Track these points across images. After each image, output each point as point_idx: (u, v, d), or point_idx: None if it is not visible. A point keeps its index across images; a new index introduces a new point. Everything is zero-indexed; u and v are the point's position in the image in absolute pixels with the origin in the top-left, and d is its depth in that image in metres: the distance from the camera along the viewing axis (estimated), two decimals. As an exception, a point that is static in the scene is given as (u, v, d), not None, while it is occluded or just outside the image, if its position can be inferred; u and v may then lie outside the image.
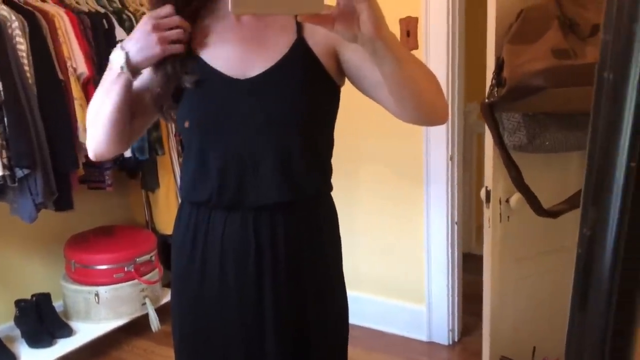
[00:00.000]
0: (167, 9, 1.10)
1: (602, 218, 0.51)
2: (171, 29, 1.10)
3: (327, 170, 1.23)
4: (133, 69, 1.11)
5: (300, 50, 1.11)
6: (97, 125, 1.18)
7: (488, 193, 1.76)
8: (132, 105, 1.18)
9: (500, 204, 1.77)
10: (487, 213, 1.79)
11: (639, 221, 0.50)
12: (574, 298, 0.56)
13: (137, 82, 1.17)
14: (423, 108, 1.06)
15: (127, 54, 1.09)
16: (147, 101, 1.20)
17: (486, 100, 1.57)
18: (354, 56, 1.10)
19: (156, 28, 1.08)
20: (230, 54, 1.13)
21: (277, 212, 1.15)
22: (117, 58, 1.11)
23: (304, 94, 1.12)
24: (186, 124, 1.15)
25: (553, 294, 1.86)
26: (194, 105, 1.14)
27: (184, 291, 1.24)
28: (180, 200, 1.28)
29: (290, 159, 1.13)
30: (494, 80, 1.56)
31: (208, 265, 1.18)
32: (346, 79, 1.18)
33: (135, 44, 1.10)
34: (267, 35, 1.14)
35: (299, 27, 1.13)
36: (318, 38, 1.11)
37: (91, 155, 1.24)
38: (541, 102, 1.53)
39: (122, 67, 1.10)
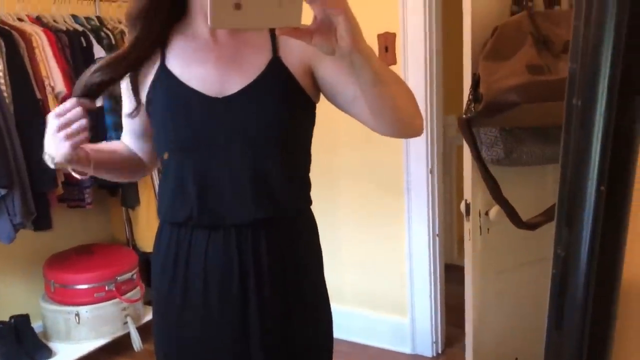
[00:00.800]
0: (68, 103, 1.10)
1: (575, 240, 0.52)
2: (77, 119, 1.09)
3: (306, 185, 1.24)
4: (69, 163, 1.11)
5: (276, 68, 1.12)
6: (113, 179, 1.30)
7: (468, 206, 1.78)
8: (116, 158, 1.26)
9: (479, 216, 1.79)
10: (467, 225, 1.81)
11: (610, 243, 0.51)
12: (550, 317, 0.57)
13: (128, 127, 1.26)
14: (399, 121, 1.07)
15: (52, 159, 1.11)
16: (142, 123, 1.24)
17: (463, 116, 1.60)
18: (329, 73, 1.12)
19: (60, 127, 1.08)
20: (207, 73, 1.13)
21: (259, 229, 1.15)
22: (49, 163, 1.13)
23: (281, 110, 1.13)
24: (165, 153, 1.17)
25: (534, 305, 1.89)
26: (173, 124, 1.14)
27: (166, 313, 1.23)
28: (159, 222, 1.26)
29: (269, 175, 1.14)
30: (470, 96, 1.59)
31: (190, 286, 1.17)
32: (321, 95, 1.19)
33: (51, 147, 1.10)
34: (243, 54, 1.14)
35: (275, 46, 1.13)
36: (293, 56, 1.13)
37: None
38: (517, 117, 1.56)
39: (57, 167, 1.13)
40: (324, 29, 0.86)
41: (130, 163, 1.29)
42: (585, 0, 0.47)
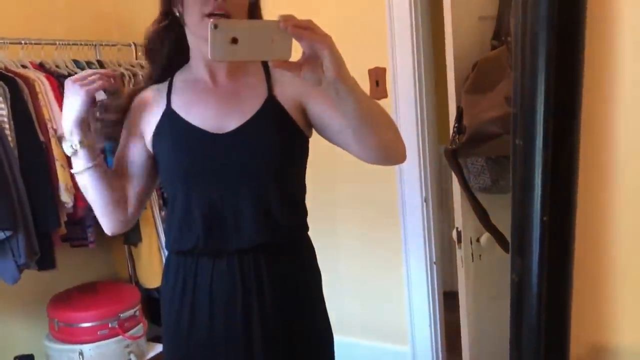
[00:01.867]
0: (87, 71, 1.22)
1: (526, 266, 0.57)
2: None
3: (302, 212, 1.34)
4: (82, 136, 1.21)
5: (271, 105, 1.23)
6: (93, 206, 1.30)
7: (459, 233, 1.83)
8: (117, 180, 1.30)
9: (471, 243, 1.84)
10: (460, 253, 1.85)
11: (557, 267, 0.56)
12: (510, 339, 0.62)
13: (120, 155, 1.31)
14: (383, 147, 1.17)
15: (67, 139, 1.22)
16: (134, 165, 1.32)
17: (449, 147, 1.66)
18: (318, 107, 1.23)
19: (76, 80, 1.19)
20: (208, 112, 1.24)
21: (260, 254, 1.24)
22: (67, 147, 1.23)
23: (277, 143, 1.23)
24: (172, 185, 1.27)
25: (528, 329, 1.91)
26: (179, 159, 1.24)
27: (174, 340, 1.30)
28: (166, 253, 1.36)
29: (268, 203, 1.23)
30: (455, 128, 1.65)
31: (197, 311, 1.26)
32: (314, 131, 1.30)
33: (65, 105, 1.20)
34: (240, 94, 1.25)
35: (270, 86, 1.25)
36: (286, 94, 1.24)
37: (106, 230, 1.33)
38: (501, 146, 1.61)
39: (74, 146, 1.21)
40: (311, 62, 0.96)
41: (119, 194, 1.31)
42: (521, 53, 0.54)
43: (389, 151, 1.20)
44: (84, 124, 1.21)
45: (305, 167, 1.34)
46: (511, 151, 0.58)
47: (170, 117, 1.26)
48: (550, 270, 0.56)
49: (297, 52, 0.96)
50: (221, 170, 1.22)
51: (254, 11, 1.27)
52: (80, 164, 1.24)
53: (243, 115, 1.23)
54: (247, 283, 1.23)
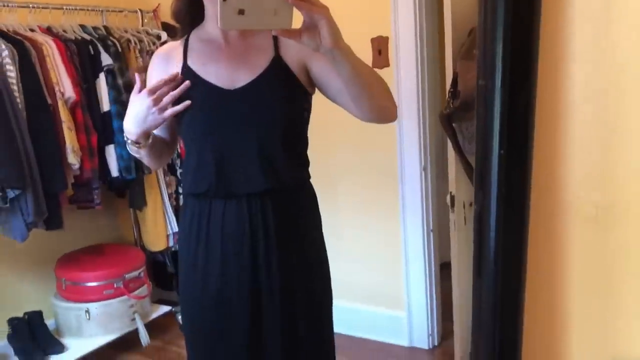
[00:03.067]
0: (157, 82, 1.31)
1: (486, 196, 0.63)
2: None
3: (305, 162, 1.47)
4: (143, 139, 1.38)
5: (277, 65, 1.35)
6: (145, 161, 1.49)
7: (452, 198, 1.88)
8: (161, 144, 1.48)
9: (464, 207, 1.89)
10: (452, 217, 1.90)
11: (513, 198, 0.61)
12: (474, 266, 0.68)
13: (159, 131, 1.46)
14: (376, 106, 1.30)
15: (133, 142, 1.38)
16: (171, 130, 1.50)
17: (444, 111, 1.70)
18: (319, 69, 1.35)
19: (155, 101, 1.30)
20: (221, 70, 1.37)
21: (266, 198, 1.38)
22: (131, 148, 1.40)
23: (282, 99, 1.36)
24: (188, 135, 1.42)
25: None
26: (195, 112, 1.36)
27: (192, 271, 1.45)
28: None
29: (273, 153, 1.36)
30: (450, 93, 1.69)
31: (211, 247, 1.41)
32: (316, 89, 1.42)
33: (137, 119, 1.33)
34: (250, 53, 1.38)
35: (276, 47, 1.37)
36: (291, 55, 1.36)
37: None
38: (494, 112, 1.66)
39: (138, 149, 1.40)
40: (310, 30, 1.09)
41: (164, 149, 1.51)
42: (483, 24, 0.58)
43: (381, 111, 1.32)
44: (150, 133, 1.38)
45: (307, 122, 1.46)
46: (476, 91, 0.63)
47: (187, 74, 1.38)
48: (507, 201, 0.61)
49: (297, 21, 1.07)
50: (232, 122, 1.35)
51: None
52: (139, 152, 1.42)
53: (252, 72, 1.35)
54: (254, 223, 1.38)
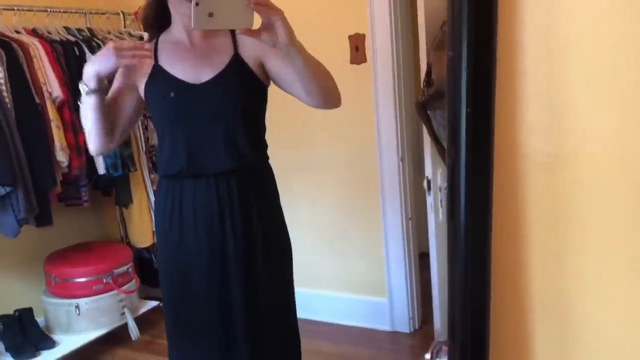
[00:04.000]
0: (128, 42, 1.51)
1: (457, 150, 0.74)
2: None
3: (263, 145, 1.68)
4: (96, 86, 1.49)
5: (236, 62, 1.57)
6: (87, 130, 1.62)
7: (429, 182, 2.00)
8: (109, 114, 1.59)
9: (440, 191, 2.01)
10: (430, 200, 2.03)
11: (479, 149, 0.73)
12: (447, 211, 0.79)
13: (113, 93, 1.61)
14: (324, 95, 1.52)
15: (85, 83, 1.49)
16: (124, 108, 1.64)
17: (419, 99, 1.82)
18: (273, 63, 1.56)
19: (116, 48, 1.45)
20: (187, 67, 1.57)
21: (231, 176, 1.59)
22: (82, 87, 1.51)
23: (242, 91, 1.56)
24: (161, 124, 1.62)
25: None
26: (166, 104, 1.57)
27: (168, 244, 1.63)
28: (157, 178, 1.71)
29: (236, 137, 1.56)
30: (424, 82, 1.81)
31: (184, 222, 1.61)
32: (271, 82, 1.63)
33: (95, 60, 1.49)
34: (212, 52, 1.58)
35: (235, 46, 1.58)
36: (248, 53, 1.57)
37: (91, 151, 1.68)
38: (466, 99, 1.79)
39: (87, 91, 1.50)
40: (268, 29, 1.30)
41: (109, 126, 1.61)
42: (451, 8, 0.69)
43: (328, 96, 1.55)
44: (101, 78, 1.50)
45: (264, 111, 1.68)
46: (447, 63, 0.75)
47: (158, 71, 1.58)
48: (475, 151, 0.72)
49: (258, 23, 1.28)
50: (199, 112, 1.55)
51: None
52: (87, 100, 1.52)
53: (215, 69, 1.55)
54: (221, 198, 1.58)
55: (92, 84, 1.48)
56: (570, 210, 0.75)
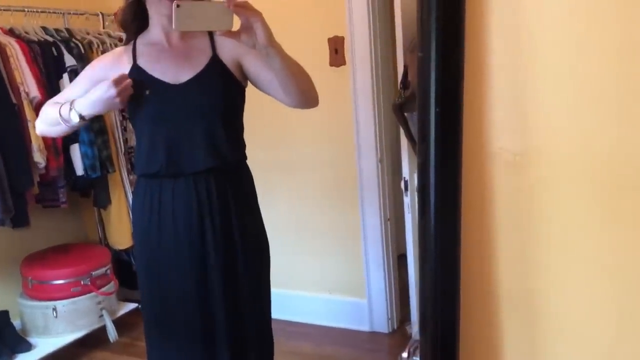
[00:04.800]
0: (120, 75, 1.52)
1: (427, 148, 0.76)
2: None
3: (242, 144, 1.69)
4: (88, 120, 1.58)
5: (215, 62, 1.59)
6: (48, 128, 1.67)
7: (406, 183, 2.03)
8: None
9: (416, 191, 2.04)
10: (407, 200, 2.05)
11: (447, 147, 0.75)
12: (419, 210, 0.81)
13: None
14: (302, 94, 1.54)
15: (81, 116, 1.54)
16: None
17: (396, 101, 1.85)
18: (252, 64, 1.58)
19: (119, 91, 1.50)
20: (166, 68, 1.58)
21: (210, 175, 1.59)
22: (73, 116, 1.55)
23: (220, 91, 1.58)
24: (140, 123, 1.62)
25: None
26: (146, 103, 1.56)
27: (147, 240, 1.63)
28: (136, 178, 1.71)
29: (214, 136, 1.57)
30: (401, 84, 1.84)
31: (163, 221, 1.61)
32: (249, 82, 1.65)
33: (99, 101, 1.52)
34: (191, 53, 1.60)
35: (214, 48, 1.60)
36: (226, 54, 1.59)
37: (37, 133, 1.73)
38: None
39: (80, 121, 1.56)
40: (247, 30, 1.31)
41: None
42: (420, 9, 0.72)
43: (305, 96, 1.57)
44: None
45: (242, 110, 1.69)
46: (417, 60, 0.77)
47: (138, 71, 1.59)
48: (444, 150, 0.74)
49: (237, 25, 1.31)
50: (178, 112, 1.56)
51: None
52: (73, 123, 1.58)
53: (194, 69, 1.57)
54: (200, 197, 1.58)
55: (88, 118, 1.55)
56: (536, 207, 0.77)
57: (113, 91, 1.49)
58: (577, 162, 0.74)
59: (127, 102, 1.56)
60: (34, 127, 2.52)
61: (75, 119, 1.55)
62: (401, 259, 2.99)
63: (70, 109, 1.55)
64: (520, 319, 0.81)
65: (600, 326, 0.82)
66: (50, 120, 1.63)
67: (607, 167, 0.74)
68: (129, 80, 1.52)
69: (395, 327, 3.00)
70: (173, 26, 1.22)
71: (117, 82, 1.50)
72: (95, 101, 1.52)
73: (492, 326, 0.85)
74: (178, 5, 1.20)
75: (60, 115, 1.57)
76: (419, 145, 0.78)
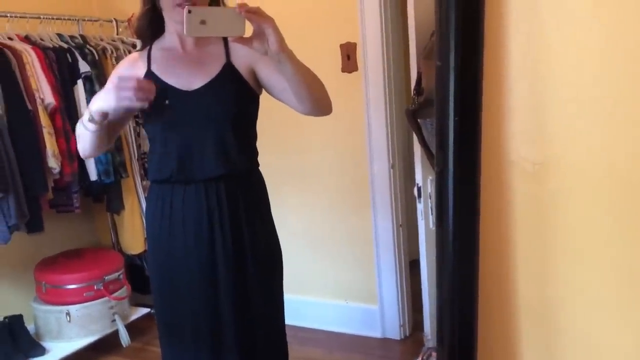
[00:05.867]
0: (129, 81, 1.42)
1: (444, 157, 0.76)
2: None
3: (254, 152, 1.69)
4: (99, 119, 1.49)
5: (228, 69, 1.59)
6: (83, 143, 1.61)
7: (419, 189, 2.02)
8: (107, 131, 1.58)
9: (430, 198, 2.03)
10: (420, 207, 2.05)
11: (466, 156, 0.75)
12: (436, 218, 0.81)
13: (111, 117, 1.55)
14: (315, 102, 1.53)
15: (91, 114, 1.49)
16: (119, 120, 1.64)
17: (410, 107, 1.84)
18: (265, 71, 1.58)
19: (116, 87, 1.41)
20: (180, 74, 1.58)
21: (220, 182, 1.59)
22: (86, 119, 1.51)
23: (233, 99, 1.58)
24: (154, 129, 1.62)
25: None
26: (157, 110, 1.55)
27: (158, 248, 1.64)
28: (149, 184, 1.72)
29: (227, 143, 1.57)
30: (415, 90, 1.84)
31: (174, 227, 1.62)
32: (263, 90, 1.65)
33: (100, 97, 1.46)
34: (205, 59, 1.60)
35: (228, 55, 1.60)
36: (240, 61, 1.59)
37: (81, 155, 1.68)
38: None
39: (91, 124, 1.50)
40: (259, 37, 1.31)
41: (106, 138, 1.63)
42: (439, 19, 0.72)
43: (319, 103, 1.56)
44: (105, 114, 1.49)
45: (256, 118, 1.69)
46: (436, 70, 0.77)
47: (151, 77, 1.57)
48: (462, 158, 0.74)
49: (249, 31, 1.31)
50: (190, 119, 1.56)
51: None
52: (89, 126, 1.52)
53: (207, 76, 1.57)
54: (210, 204, 1.58)
55: (97, 117, 1.49)
56: (556, 216, 0.77)
57: (110, 85, 1.44)
58: (597, 171, 0.73)
59: (144, 110, 1.53)
60: (49, 133, 2.58)
61: (86, 115, 1.51)
62: (413, 265, 2.98)
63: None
64: (540, 331, 0.81)
65: (619, 337, 0.81)
66: (78, 132, 1.60)
67: (627, 177, 0.74)
68: (152, 86, 1.44)
69: (408, 333, 2.98)
70: (184, 32, 1.23)
71: (123, 78, 1.42)
72: (105, 94, 1.44)
73: (511, 335, 0.84)
74: (190, 11, 1.21)
75: (82, 121, 1.56)
76: (437, 153, 0.78)
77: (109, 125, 1.57)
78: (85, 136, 1.56)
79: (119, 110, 1.47)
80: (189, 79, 1.57)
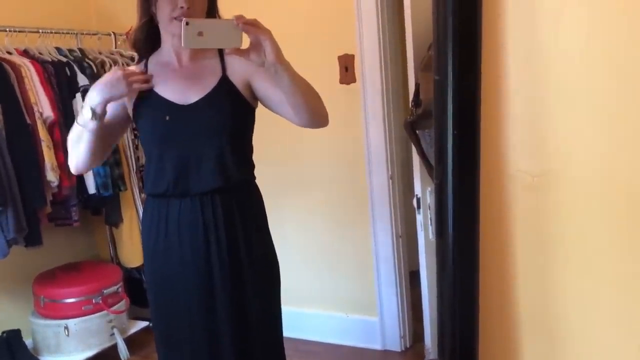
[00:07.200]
0: (134, 69, 1.52)
1: (444, 170, 0.76)
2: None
3: (250, 165, 1.69)
4: (100, 113, 1.53)
5: (224, 83, 1.59)
6: (77, 151, 1.62)
7: (418, 200, 2.02)
8: (103, 135, 1.59)
9: (429, 209, 2.03)
10: (419, 218, 2.05)
11: (464, 169, 0.75)
12: (436, 229, 0.81)
13: (108, 116, 1.59)
14: (312, 114, 1.52)
15: (92, 109, 1.51)
16: (115, 128, 1.66)
17: (408, 119, 1.85)
18: (261, 84, 1.58)
19: (125, 75, 1.51)
20: (176, 88, 1.59)
21: (216, 196, 1.59)
22: (86, 112, 1.53)
23: (229, 112, 1.58)
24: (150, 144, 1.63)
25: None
26: (153, 124, 1.60)
27: (155, 261, 1.64)
28: (145, 197, 1.71)
29: (223, 157, 1.57)
30: (413, 102, 1.85)
31: (170, 240, 1.62)
32: (259, 103, 1.64)
33: (104, 87, 1.51)
34: (201, 73, 1.60)
35: (224, 68, 1.60)
36: (236, 75, 1.59)
37: (73, 170, 1.67)
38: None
39: (92, 117, 1.52)
40: (256, 48, 1.33)
41: (100, 148, 1.64)
42: (436, 6, 0.72)
43: (316, 115, 1.55)
44: (106, 105, 1.53)
45: (252, 131, 1.69)
46: (433, 84, 0.77)
47: (147, 92, 1.59)
48: (461, 171, 0.74)
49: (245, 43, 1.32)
50: (186, 133, 1.56)
51: (212, 7, 1.63)
52: (89, 124, 1.54)
53: (203, 90, 1.57)
54: (206, 217, 1.58)
55: (100, 109, 1.51)
56: (555, 228, 0.77)
57: (120, 73, 1.50)
58: (596, 183, 0.74)
59: (140, 121, 1.57)
60: (48, 146, 2.58)
61: (88, 112, 1.52)
62: (413, 276, 2.97)
63: (82, 107, 1.56)
64: (541, 341, 0.81)
65: (620, 347, 0.81)
66: (72, 138, 1.62)
67: (626, 189, 0.74)
68: (141, 74, 1.53)
69: (408, 345, 2.97)
70: (182, 44, 1.24)
71: (127, 71, 1.51)
72: (103, 85, 1.51)
73: (512, 346, 0.84)
74: (187, 23, 1.22)
75: (78, 122, 1.57)
76: (436, 166, 0.78)
77: (103, 132, 1.59)
78: (83, 139, 1.57)
79: (125, 96, 1.53)
80: (185, 93, 1.58)
